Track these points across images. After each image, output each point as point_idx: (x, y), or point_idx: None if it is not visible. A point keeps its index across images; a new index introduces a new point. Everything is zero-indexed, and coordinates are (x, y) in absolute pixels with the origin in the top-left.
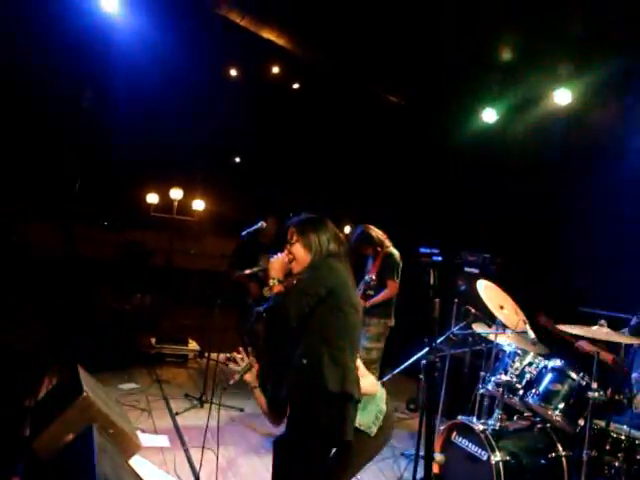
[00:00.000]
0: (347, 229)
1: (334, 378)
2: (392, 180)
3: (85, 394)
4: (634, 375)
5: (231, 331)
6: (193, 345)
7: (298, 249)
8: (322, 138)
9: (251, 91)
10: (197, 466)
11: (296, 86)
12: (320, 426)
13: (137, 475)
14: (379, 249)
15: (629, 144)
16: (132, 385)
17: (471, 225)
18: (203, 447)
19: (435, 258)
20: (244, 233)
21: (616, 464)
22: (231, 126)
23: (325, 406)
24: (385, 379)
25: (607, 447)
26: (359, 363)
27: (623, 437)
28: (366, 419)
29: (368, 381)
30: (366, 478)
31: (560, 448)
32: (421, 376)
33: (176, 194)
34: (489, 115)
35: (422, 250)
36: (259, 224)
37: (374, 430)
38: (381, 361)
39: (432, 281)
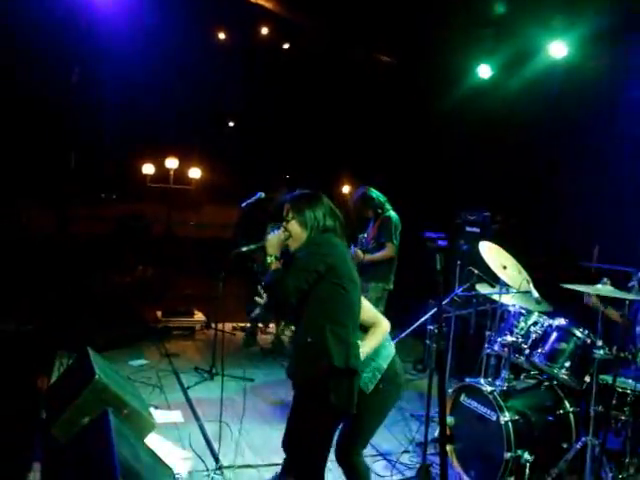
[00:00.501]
0: (345, 189)
1: (339, 354)
2: (388, 142)
3: (97, 377)
4: (638, 329)
5: (235, 299)
6: (199, 316)
7: (294, 226)
8: (315, 100)
9: (241, 54)
10: (212, 440)
11: (286, 46)
12: (329, 402)
13: (154, 454)
14: (379, 211)
15: (628, 94)
16: (142, 361)
17: (469, 184)
18: (221, 422)
19: (441, 243)
20: (244, 204)
21: (622, 418)
22: (222, 91)
23: (332, 382)
24: (395, 340)
25: (613, 402)
26: (371, 317)
27: (629, 391)
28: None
29: (373, 339)
30: (378, 441)
31: (567, 404)
32: (427, 341)
33: (172, 163)
34: (484, 71)
35: (427, 235)
36: (258, 195)
37: (370, 387)
38: None
39: (438, 266)
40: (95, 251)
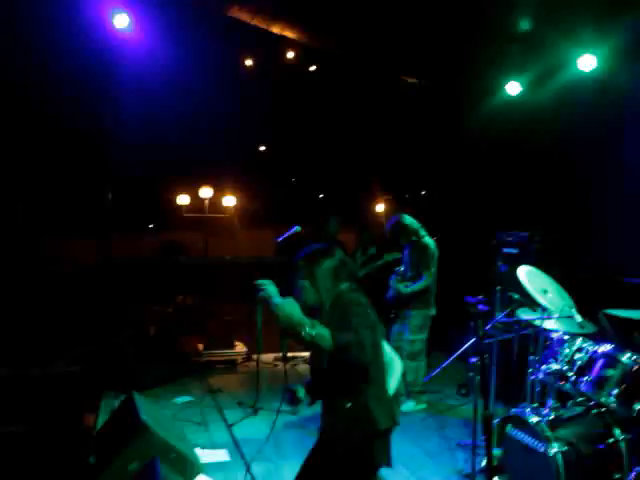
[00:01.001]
0: (379, 207)
1: (384, 417)
2: (420, 161)
3: (143, 424)
4: None
5: (276, 328)
6: (240, 347)
7: (306, 283)
8: (343, 121)
9: (268, 79)
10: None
11: (313, 68)
12: (373, 462)
13: None
14: (415, 238)
15: None
16: (186, 398)
17: (505, 202)
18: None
19: (482, 308)
20: (280, 239)
21: None
22: (252, 118)
23: (377, 443)
24: (439, 370)
25: None
26: None
27: None
28: None
29: None
30: (424, 474)
31: (618, 432)
32: (470, 373)
33: (206, 193)
34: (513, 87)
35: (468, 300)
36: (294, 229)
37: None
38: (427, 350)
39: (479, 331)
40: (136, 282)
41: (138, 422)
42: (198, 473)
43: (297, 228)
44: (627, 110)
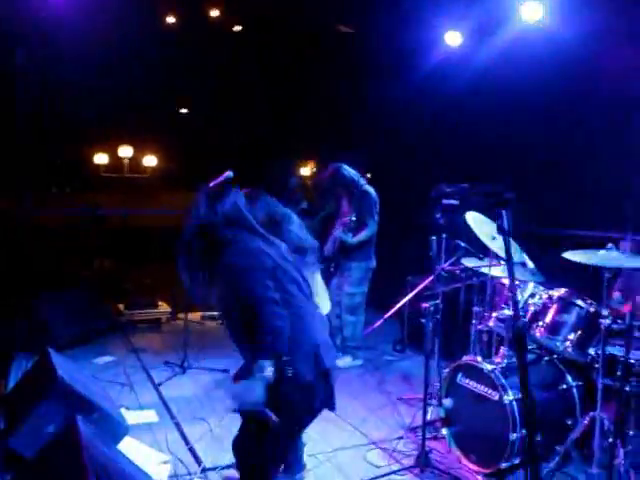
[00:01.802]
0: (307, 170)
1: (309, 368)
2: (354, 117)
3: (60, 379)
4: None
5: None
6: (164, 307)
7: None
8: (270, 79)
9: (191, 38)
10: (191, 439)
11: (238, 28)
12: None
13: (130, 461)
14: (354, 190)
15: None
16: (108, 358)
17: (445, 160)
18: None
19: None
20: (212, 185)
21: (628, 389)
22: (174, 78)
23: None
24: (375, 325)
25: (618, 373)
26: None
27: (634, 362)
28: None
29: None
30: (368, 429)
31: (570, 379)
32: (423, 319)
33: (125, 152)
34: (452, 38)
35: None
36: (227, 174)
37: None
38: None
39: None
40: (49, 244)
41: (54, 379)
42: (125, 434)
43: (230, 174)
44: (575, 64)
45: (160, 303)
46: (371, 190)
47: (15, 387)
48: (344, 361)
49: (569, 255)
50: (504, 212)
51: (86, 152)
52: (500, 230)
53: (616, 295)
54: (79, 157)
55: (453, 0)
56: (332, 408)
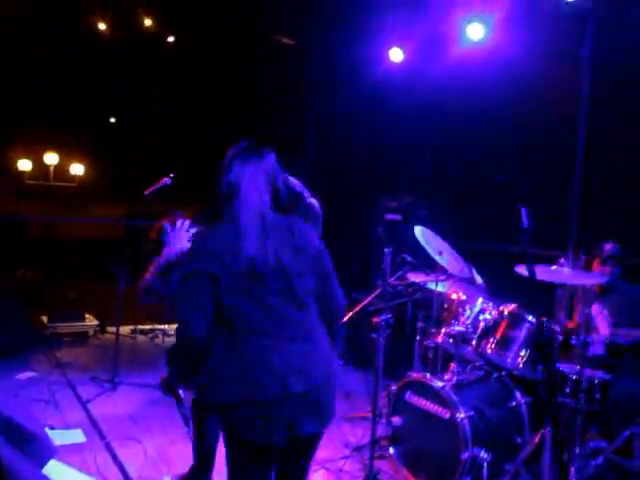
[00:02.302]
0: None
1: (240, 385)
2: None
3: None
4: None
5: (129, 301)
6: (91, 319)
7: None
8: (208, 90)
9: (123, 47)
10: (123, 460)
11: (171, 39)
12: None
13: None
14: (298, 202)
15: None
16: (30, 374)
17: (388, 176)
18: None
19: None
20: (147, 192)
21: (577, 406)
22: (104, 84)
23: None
24: None
25: (567, 390)
26: None
27: (580, 378)
28: None
29: None
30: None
31: (518, 396)
32: (373, 335)
33: (51, 159)
34: (395, 54)
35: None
36: (165, 181)
37: None
38: None
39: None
40: None
41: None
42: (51, 457)
43: (168, 181)
44: (518, 79)
45: (87, 316)
46: (315, 203)
47: None
48: None
49: (522, 270)
50: (524, 209)
51: (8, 157)
52: (521, 229)
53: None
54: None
55: (397, 17)
56: (282, 443)
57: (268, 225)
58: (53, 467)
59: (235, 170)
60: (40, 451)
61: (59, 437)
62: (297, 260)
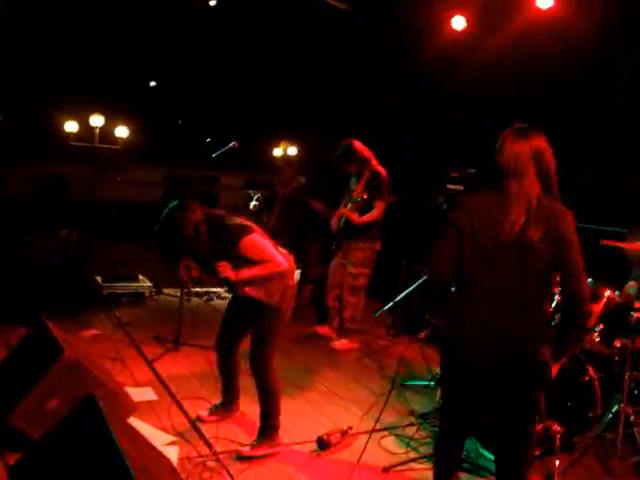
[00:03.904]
0: (292, 150)
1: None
2: (349, 101)
3: (67, 352)
4: None
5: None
6: (145, 281)
7: None
8: (250, 54)
9: (166, 11)
10: (193, 417)
11: (213, 3)
12: None
13: (149, 443)
14: (365, 167)
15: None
16: (94, 331)
17: (456, 145)
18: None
19: None
20: (215, 155)
21: None
22: (146, 48)
23: None
24: (377, 314)
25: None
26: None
27: None
28: None
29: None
30: (382, 414)
31: (592, 371)
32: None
33: (97, 121)
34: (458, 22)
35: None
36: (231, 144)
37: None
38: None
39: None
40: (12, 215)
41: (57, 352)
42: (132, 412)
43: (233, 143)
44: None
45: (140, 277)
46: (382, 171)
47: (7, 360)
48: (341, 343)
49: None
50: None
51: (55, 119)
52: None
53: (631, 285)
54: (48, 124)
55: None
56: None
57: None
58: (133, 424)
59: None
60: (123, 407)
61: (133, 395)
62: None
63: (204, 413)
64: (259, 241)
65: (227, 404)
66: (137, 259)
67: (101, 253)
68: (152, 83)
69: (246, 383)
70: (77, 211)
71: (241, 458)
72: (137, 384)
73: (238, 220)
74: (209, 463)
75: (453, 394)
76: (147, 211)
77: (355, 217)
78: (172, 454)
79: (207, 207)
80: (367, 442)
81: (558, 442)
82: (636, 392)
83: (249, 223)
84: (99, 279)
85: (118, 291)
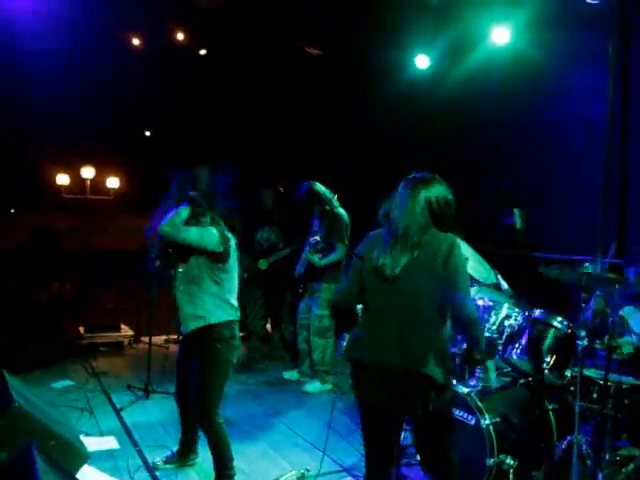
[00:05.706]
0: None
1: None
2: (321, 140)
3: (16, 403)
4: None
5: (163, 311)
6: (126, 330)
7: None
8: (238, 103)
9: (156, 61)
10: (153, 467)
11: (203, 52)
12: None
13: None
14: (327, 208)
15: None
16: (67, 382)
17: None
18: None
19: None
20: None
21: (605, 412)
22: (138, 98)
23: None
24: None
25: (594, 395)
26: None
27: (610, 384)
28: None
29: None
30: (338, 455)
31: (546, 402)
32: None
33: (88, 173)
34: (422, 61)
35: None
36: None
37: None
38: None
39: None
40: (6, 266)
41: (9, 402)
42: (84, 462)
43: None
44: (543, 84)
45: (123, 326)
46: (343, 213)
47: None
48: (313, 386)
49: (545, 271)
50: (517, 211)
51: (47, 172)
52: (513, 230)
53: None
54: (40, 178)
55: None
56: None
57: None
58: (86, 472)
59: None
60: (74, 457)
61: (93, 443)
62: None
63: (160, 461)
64: None
65: (186, 451)
66: (129, 308)
67: (97, 302)
68: (147, 132)
69: None
70: (70, 262)
71: None
72: (101, 433)
73: None
74: None
75: None
76: (139, 258)
77: (315, 260)
78: None
79: None
80: None
81: (511, 477)
82: (590, 422)
83: None
84: (81, 329)
85: (98, 341)
